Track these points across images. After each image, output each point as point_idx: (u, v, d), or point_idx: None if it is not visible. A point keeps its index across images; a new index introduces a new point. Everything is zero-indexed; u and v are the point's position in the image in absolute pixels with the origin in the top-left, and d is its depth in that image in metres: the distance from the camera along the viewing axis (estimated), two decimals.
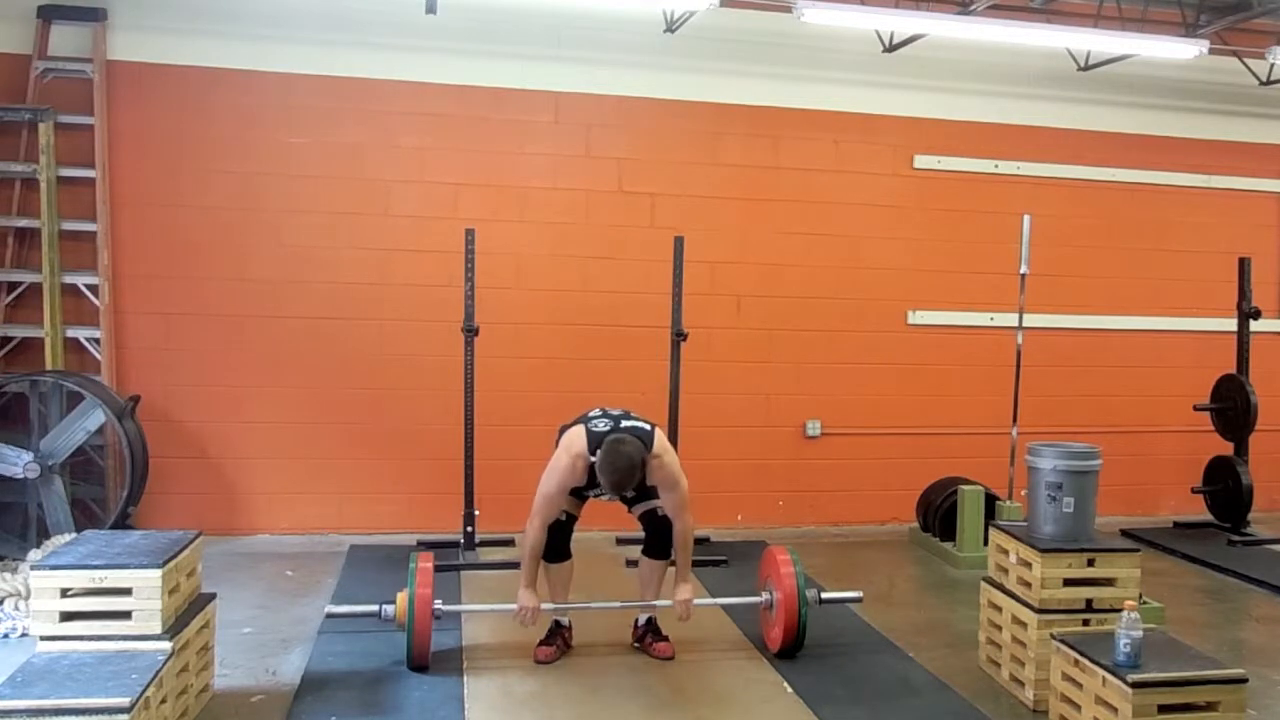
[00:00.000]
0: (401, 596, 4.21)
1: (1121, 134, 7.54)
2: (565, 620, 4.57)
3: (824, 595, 4.60)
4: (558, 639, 4.51)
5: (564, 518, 4.42)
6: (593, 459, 4.16)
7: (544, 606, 4.37)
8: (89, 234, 6.10)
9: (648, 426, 4.30)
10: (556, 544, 4.43)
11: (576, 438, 4.25)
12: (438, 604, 4.22)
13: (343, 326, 6.48)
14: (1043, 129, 7.41)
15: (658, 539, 4.50)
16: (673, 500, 4.36)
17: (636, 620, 4.64)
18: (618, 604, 4.64)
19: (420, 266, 6.51)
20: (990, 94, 7.31)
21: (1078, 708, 3.71)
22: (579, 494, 4.40)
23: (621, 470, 4.06)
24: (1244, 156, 7.77)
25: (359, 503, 6.53)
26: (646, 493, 4.41)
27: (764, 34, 6.72)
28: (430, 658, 4.26)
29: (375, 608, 4.29)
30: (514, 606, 4.34)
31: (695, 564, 5.86)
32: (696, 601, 4.49)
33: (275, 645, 4.58)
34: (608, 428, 4.21)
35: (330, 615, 4.43)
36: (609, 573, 5.63)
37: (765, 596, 4.61)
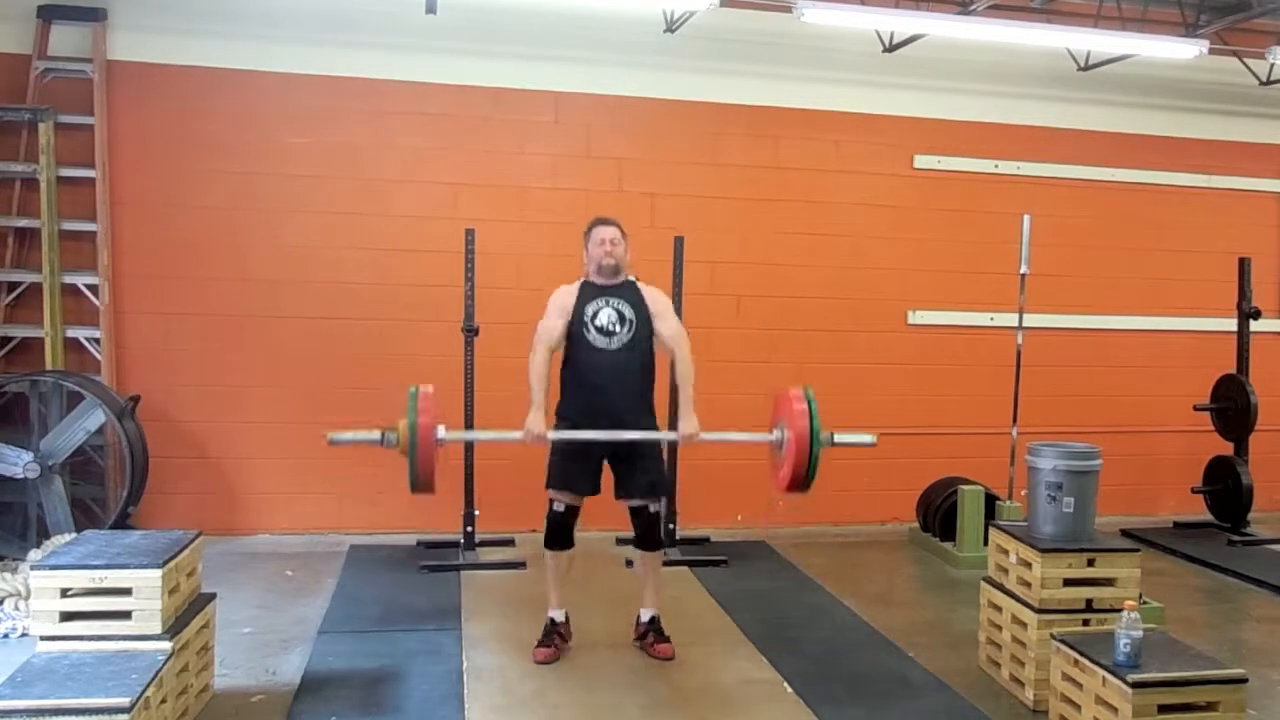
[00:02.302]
0: (403, 423, 4.11)
1: (1121, 134, 7.54)
2: (561, 616, 4.56)
3: (836, 438, 4.41)
4: (554, 637, 4.50)
5: (562, 509, 4.43)
6: (579, 281, 4.43)
7: (550, 435, 4.32)
8: (89, 234, 6.10)
9: None
10: (560, 533, 4.47)
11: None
12: (440, 430, 4.13)
13: (343, 326, 6.48)
14: (1043, 129, 7.40)
15: (647, 534, 4.54)
16: (671, 325, 4.48)
17: (638, 618, 4.63)
18: (629, 435, 4.38)
19: (420, 266, 6.51)
20: (990, 94, 7.31)
21: (1078, 708, 3.71)
22: (576, 344, 4.37)
23: (609, 221, 4.44)
24: (1244, 156, 7.77)
25: (359, 503, 6.53)
26: (647, 364, 4.44)
27: (764, 34, 6.72)
28: (434, 484, 4.14)
29: (377, 435, 4.16)
30: (519, 435, 4.31)
31: (695, 564, 5.90)
32: (704, 435, 4.42)
33: (275, 645, 4.58)
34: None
35: (333, 442, 4.31)
36: (609, 573, 5.64)
37: (776, 435, 4.46)
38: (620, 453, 4.42)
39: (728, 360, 6.90)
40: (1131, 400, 7.58)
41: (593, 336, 4.35)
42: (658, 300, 4.49)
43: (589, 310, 4.37)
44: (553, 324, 4.39)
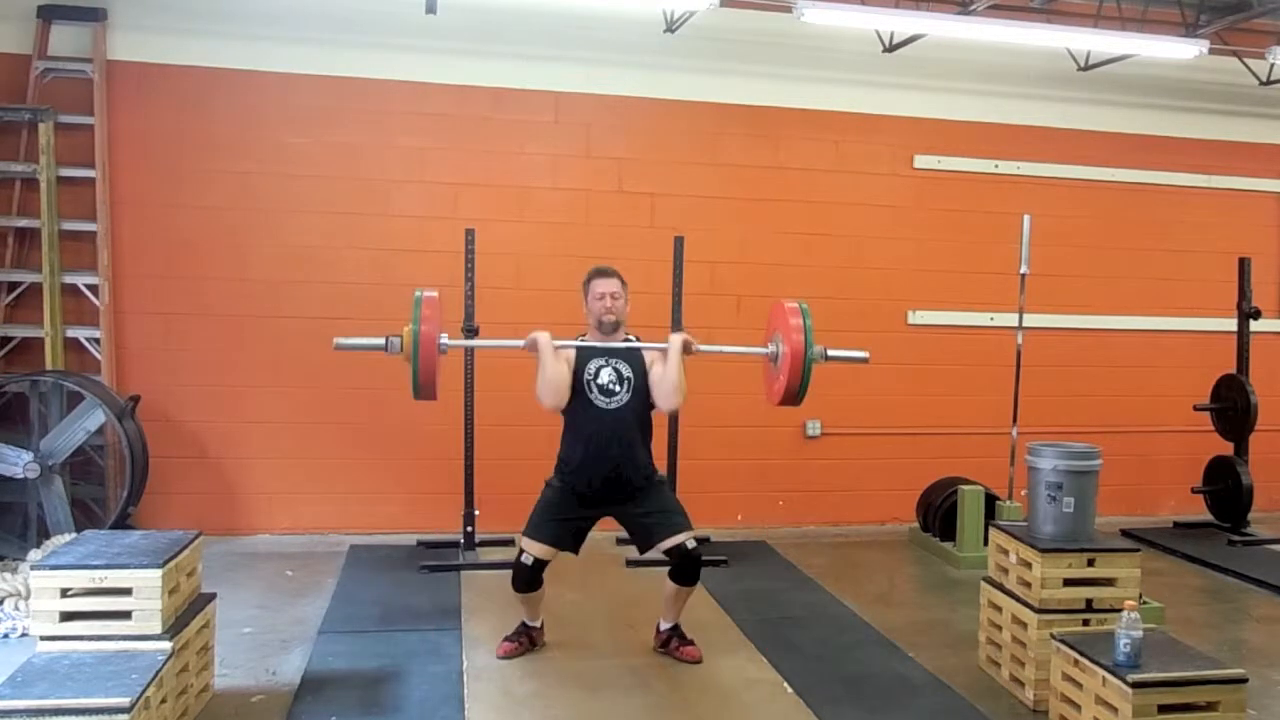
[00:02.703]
0: (406, 330, 4.11)
1: (1121, 134, 7.54)
2: (536, 623, 4.54)
3: (830, 353, 4.37)
4: (523, 636, 4.50)
5: (530, 561, 4.32)
6: (578, 338, 4.38)
7: (556, 343, 4.28)
8: (89, 234, 6.10)
9: None
10: (529, 580, 4.37)
11: None
12: (443, 338, 4.13)
13: (343, 327, 6.38)
14: (1043, 129, 7.40)
15: (688, 568, 4.36)
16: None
17: (659, 625, 4.58)
18: (626, 343, 4.40)
19: (420, 266, 6.49)
20: (990, 94, 7.31)
21: (1078, 708, 3.71)
22: (576, 404, 4.29)
23: (609, 272, 4.36)
24: (1244, 156, 7.77)
25: (359, 503, 6.53)
26: (645, 420, 4.39)
27: (764, 34, 6.72)
28: (436, 390, 4.16)
29: (382, 341, 4.18)
30: (520, 342, 4.32)
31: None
32: (698, 346, 4.39)
33: (275, 645, 4.58)
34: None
35: (338, 346, 4.32)
36: (609, 573, 5.64)
37: (772, 348, 4.46)
38: (632, 509, 4.36)
39: (728, 360, 6.87)
40: (1131, 400, 7.58)
41: (594, 396, 4.32)
42: (652, 351, 4.38)
43: (590, 369, 4.33)
44: (562, 366, 4.28)
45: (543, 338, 4.25)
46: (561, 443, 4.43)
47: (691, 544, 4.33)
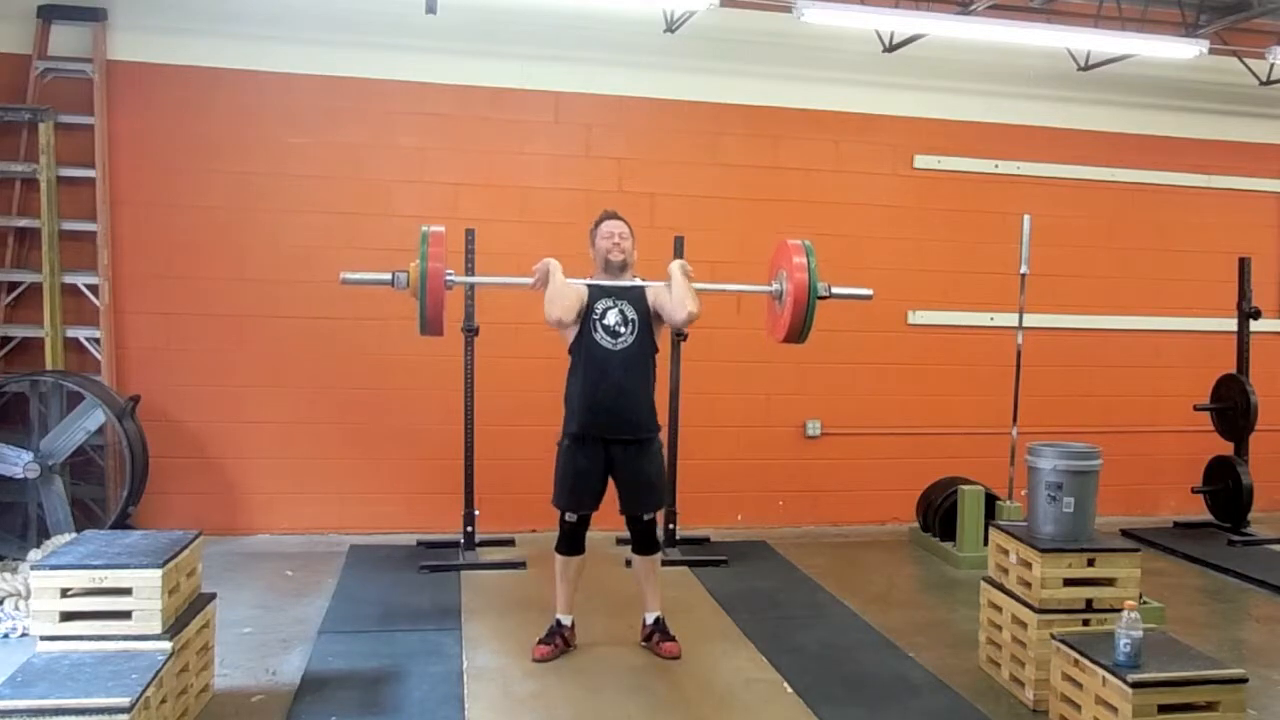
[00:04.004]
0: (413, 265, 4.15)
1: (1121, 134, 7.54)
2: (567, 620, 4.58)
3: (834, 290, 4.44)
4: (557, 638, 4.52)
5: (574, 519, 4.48)
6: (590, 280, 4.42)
7: (564, 279, 4.34)
8: (89, 234, 6.10)
9: None
10: (572, 540, 4.51)
11: None
12: (449, 274, 4.19)
13: (343, 326, 6.48)
14: (1043, 129, 7.40)
15: (645, 539, 4.58)
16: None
17: (644, 620, 4.64)
18: (633, 284, 4.47)
19: None
20: (990, 94, 7.31)
21: (1078, 708, 3.71)
22: (584, 341, 4.36)
23: (617, 215, 4.45)
24: (1244, 156, 7.77)
25: (359, 503, 6.53)
26: (647, 364, 4.45)
27: (764, 34, 6.72)
28: (443, 326, 4.24)
29: (388, 276, 4.25)
30: (529, 280, 4.39)
31: (695, 564, 5.91)
32: (688, 270, 4.43)
33: (275, 645, 4.58)
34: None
35: (345, 280, 4.40)
36: (609, 573, 5.63)
37: (775, 287, 4.50)
38: (623, 466, 4.44)
39: (728, 360, 6.90)
40: (1132, 400, 7.58)
41: (600, 336, 4.38)
42: (656, 285, 4.46)
43: (598, 309, 4.39)
44: (572, 290, 4.36)
45: (553, 262, 4.36)
46: (566, 388, 4.51)
47: (647, 516, 4.52)
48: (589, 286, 4.43)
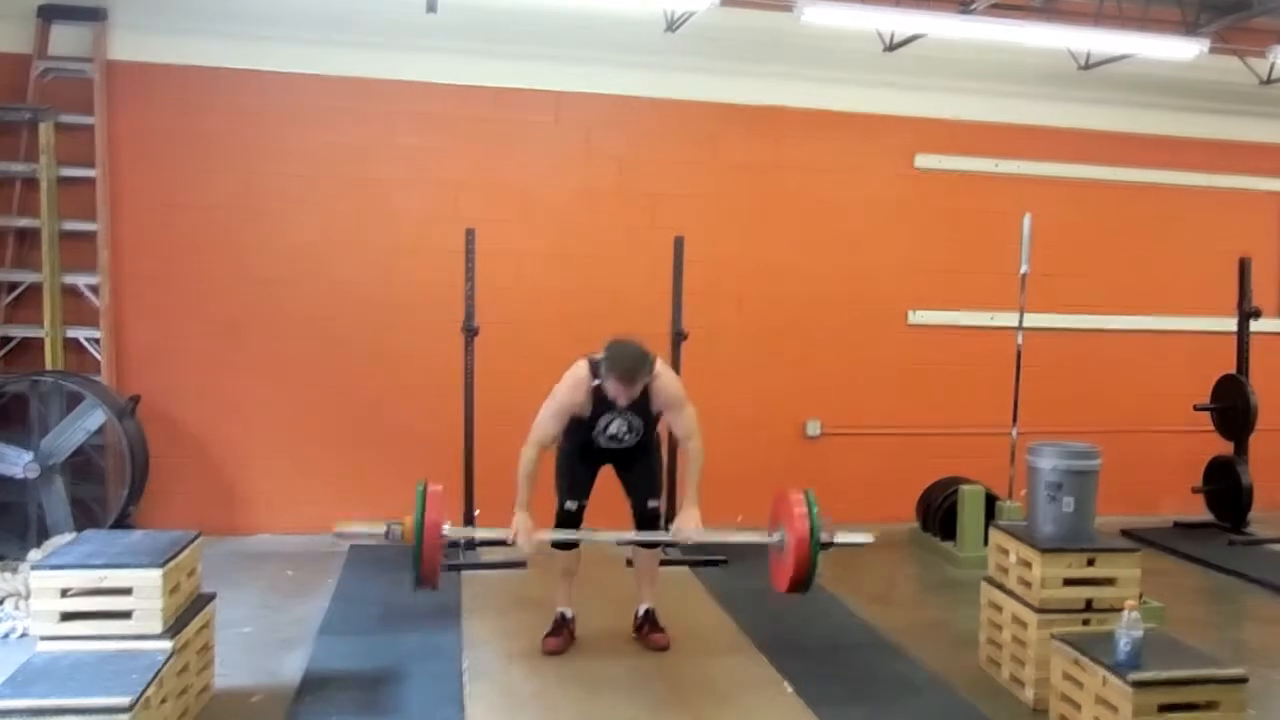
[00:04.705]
0: (408, 518, 4.14)
1: (1121, 134, 7.53)
2: (570, 613, 4.62)
3: (836, 538, 4.46)
4: (564, 630, 4.57)
5: (575, 507, 4.51)
6: (595, 382, 4.23)
7: (539, 535, 4.33)
8: (89, 234, 6.10)
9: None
10: (566, 525, 4.54)
11: (577, 366, 4.35)
12: (447, 527, 4.18)
13: (343, 326, 6.48)
14: (1043, 129, 7.40)
15: (646, 531, 4.61)
16: (682, 420, 4.42)
17: (636, 612, 4.70)
18: (625, 535, 4.59)
19: (420, 266, 6.50)
20: (990, 93, 7.30)
21: (1078, 707, 3.71)
22: (582, 435, 4.40)
23: (628, 358, 4.14)
24: (1244, 156, 7.77)
25: (359, 503, 6.50)
26: (647, 444, 4.50)
27: (764, 34, 6.71)
28: (438, 579, 4.23)
29: (383, 528, 4.21)
30: (509, 534, 4.33)
31: (695, 564, 5.90)
32: (702, 537, 4.44)
33: (275, 645, 4.58)
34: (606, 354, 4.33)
35: (340, 535, 4.35)
36: (609, 573, 5.62)
37: (777, 537, 4.54)
38: (624, 464, 4.57)
39: (728, 360, 6.90)
40: (1131, 400, 7.58)
41: (603, 441, 4.44)
42: (668, 392, 4.37)
43: (601, 422, 4.39)
44: (556, 429, 4.36)
45: (526, 526, 4.27)
46: (558, 462, 4.58)
47: (653, 504, 4.57)
48: (594, 397, 4.31)
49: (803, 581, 4.39)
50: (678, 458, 4.56)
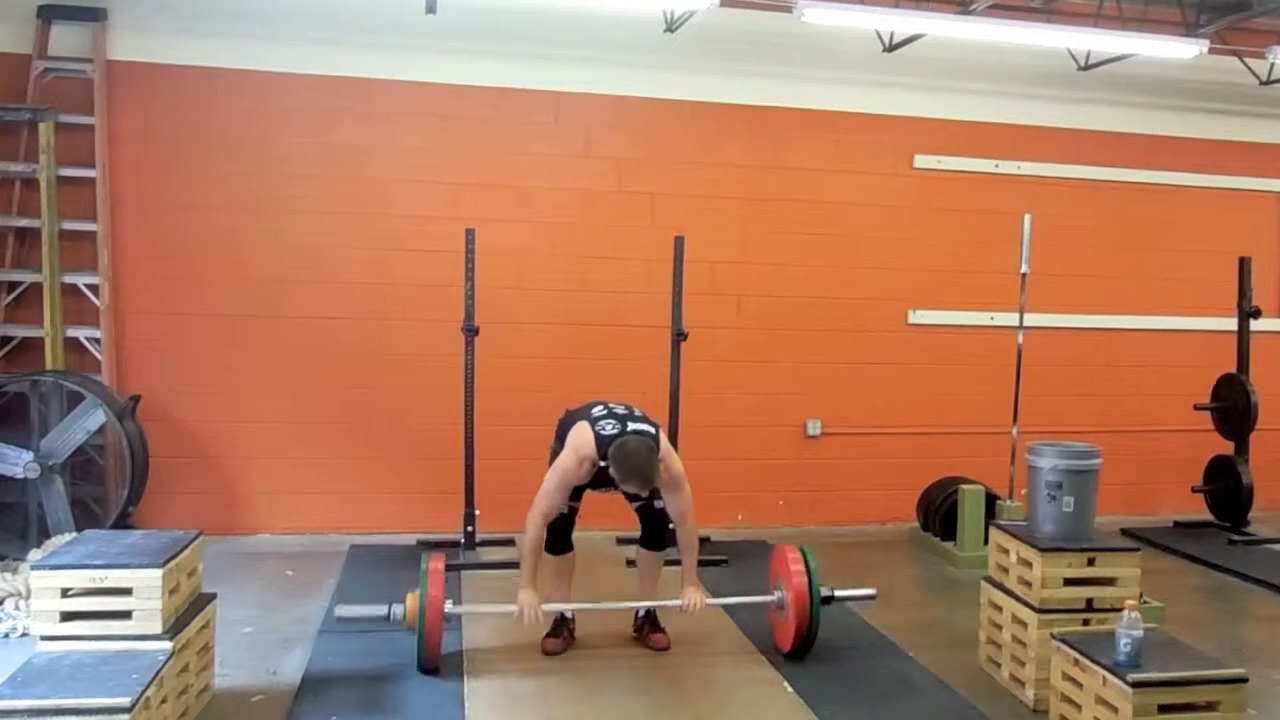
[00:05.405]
0: (411, 598, 4.19)
1: (1121, 134, 7.54)
2: (569, 614, 4.61)
3: (837, 593, 4.57)
4: (564, 630, 4.57)
5: (566, 510, 4.47)
6: (602, 463, 4.18)
7: (545, 607, 4.36)
8: (89, 234, 6.10)
9: (653, 430, 4.30)
10: (559, 537, 4.51)
11: (585, 439, 4.25)
12: (449, 606, 4.20)
13: (343, 326, 6.48)
14: (1043, 129, 7.40)
15: (654, 531, 4.62)
16: (677, 503, 4.38)
17: (636, 612, 4.70)
18: (623, 604, 4.67)
19: (420, 266, 6.51)
20: (990, 94, 7.31)
21: (1078, 707, 3.71)
22: (580, 491, 4.43)
23: (643, 473, 4.09)
24: (1244, 156, 7.77)
25: (359, 503, 6.53)
26: (651, 493, 4.44)
27: (764, 34, 6.72)
28: (440, 659, 4.25)
29: (384, 610, 4.26)
30: (514, 608, 4.32)
31: (696, 564, 5.88)
32: (707, 601, 4.49)
33: (275, 645, 4.58)
34: (616, 430, 4.22)
35: (341, 619, 4.37)
36: (609, 572, 5.63)
37: (776, 596, 4.58)
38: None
39: (728, 360, 6.91)
40: (1132, 400, 7.58)
41: (598, 491, 4.46)
42: (670, 473, 4.32)
43: (601, 487, 4.40)
44: (557, 499, 4.32)
45: (532, 601, 4.27)
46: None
47: (658, 504, 4.48)
48: (597, 471, 4.28)
49: (805, 639, 4.44)
50: (677, 538, 4.51)
